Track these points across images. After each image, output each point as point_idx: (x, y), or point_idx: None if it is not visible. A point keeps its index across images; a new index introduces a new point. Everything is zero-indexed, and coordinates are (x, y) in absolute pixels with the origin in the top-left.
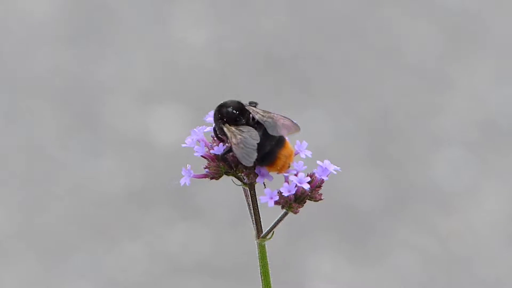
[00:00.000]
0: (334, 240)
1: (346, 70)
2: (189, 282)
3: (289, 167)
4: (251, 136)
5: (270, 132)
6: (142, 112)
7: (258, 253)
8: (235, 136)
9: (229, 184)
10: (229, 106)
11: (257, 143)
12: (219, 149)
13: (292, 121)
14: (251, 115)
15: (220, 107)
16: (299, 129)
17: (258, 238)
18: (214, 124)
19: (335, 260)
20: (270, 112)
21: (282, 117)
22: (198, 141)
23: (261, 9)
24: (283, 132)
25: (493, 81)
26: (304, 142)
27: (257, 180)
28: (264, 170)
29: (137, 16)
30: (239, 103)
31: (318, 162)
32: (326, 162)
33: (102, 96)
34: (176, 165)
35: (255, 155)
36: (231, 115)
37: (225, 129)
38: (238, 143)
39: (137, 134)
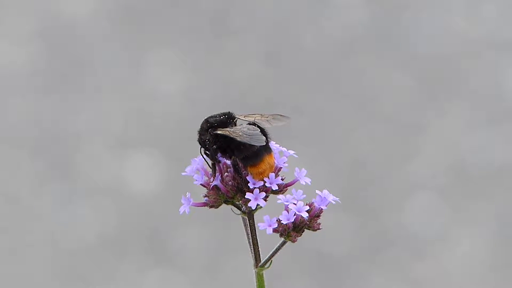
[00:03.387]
0: (306, 285)
1: (320, 119)
2: None
3: (267, 176)
4: (249, 129)
5: (263, 126)
6: (116, 160)
7: (256, 282)
8: (233, 131)
9: (204, 229)
10: (217, 115)
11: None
12: (217, 179)
13: (281, 114)
14: (238, 120)
15: (208, 118)
16: (289, 117)
17: (256, 267)
18: (201, 143)
19: None
20: (256, 114)
21: (270, 114)
22: (198, 169)
23: (235, 58)
24: (276, 123)
25: (464, 127)
26: (303, 169)
27: (249, 204)
28: (246, 172)
29: (110, 64)
30: (224, 112)
31: (317, 191)
32: (325, 191)
33: (76, 145)
34: (150, 212)
35: (263, 137)
36: (221, 120)
37: (219, 131)
38: (241, 135)
39: (111, 182)
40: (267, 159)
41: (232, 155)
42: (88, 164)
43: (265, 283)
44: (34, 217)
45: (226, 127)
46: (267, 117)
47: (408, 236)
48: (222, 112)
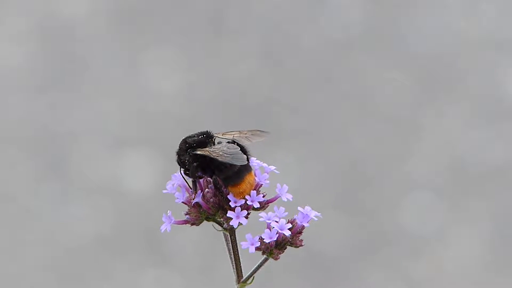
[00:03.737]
0: (301, 286)
1: (317, 117)
2: None
3: (247, 194)
4: (229, 147)
5: (242, 143)
6: (113, 159)
7: None
8: (213, 151)
9: (200, 230)
10: (195, 135)
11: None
12: (198, 196)
13: (259, 130)
14: (217, 138)
15: (186, 138)
16: (269, 132)
17: (239, 283)
18: (180, 164)
19: None
20: (234, 131)
21: (249, 130)
22: (179, 186)
23: (232, 57)
24: (255, 139)
25: (462, 126)
26: (284, 185)
27: (231, 223)
28: (227, 191)
29: (108, 64)
30: (202, 131)
31: (299, 208)
32: (307, 208)
33: (73, 144)
34: (147, 212)
35: (244, 155)
36: (199, 140)
37: (199, 152)
38: (221, 154)
39: (108, 181)
40: (247, 178)
41: (213, 174)
42: (85, 163)
43: (260, 283)
44: (31, 216)
45: (205, 147)
46: (246, 134)
47: (405, 235)
48: (200, 131)
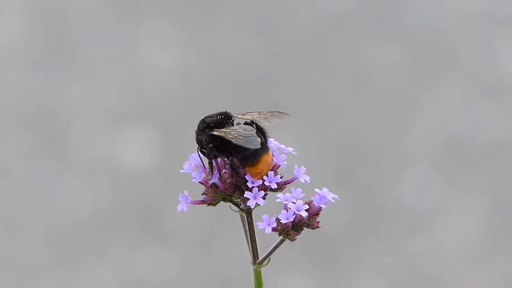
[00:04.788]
0: (300, 263)
1: (313, 93)
2: None
3: (265, 174)
4: (245, 129)
5: (261, 124)
6: (109, 135)
7: (254, 279)
8: (229, 133)
9: (198, 207)
10: (213, 115)
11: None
12: (215, 177)
13: (279, 111)
14: (236, 120)
15: (204, 118)
16: (288, 114)
17: (255, 264)
18: (198, 143)
19: (302, 283)
20: (253, 111)
21: (269, 111)
22: (196, 166)
23: (228, 33)
24: (275, 121)
25: (458, 101)
26: (302, 167)
27: (248, 203)
28: (244, 172)
29: (104, 40)
30: (222, 111)
31: (317, 190)
32: (325, 190)
33: (69, 120)
34: (144, 188)
35: (258, 139)
36: (217, 120)
37: (215, 133)
38: (236, 136)
39: (104, 157)
40: (264, 159)
41: (230, 155)
42: (82, 139)
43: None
44: (26, 193)
45: (223, 127)
46: (265, 115)
47: (403, 211)
48: (219, 112)
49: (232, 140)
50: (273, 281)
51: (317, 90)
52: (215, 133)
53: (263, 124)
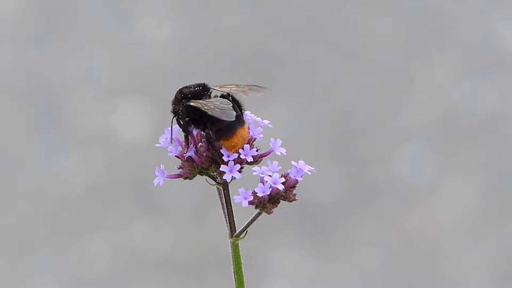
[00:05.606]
0: (296, 237)
1: (309, 68)
2: (151, 277)
3: (240, 148)
4: (222, 102)
5: (239, 97)
6: (104, 108)
7: (232, 252)
8: (205, 104)
9: (192, 180)
10: (191, 86)
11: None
12: (191, 150)
13: (257, 85)
14: (213, 92)
15: (182, 88)
16: (266, 88)
17: (232, 237)
18: (174, 112)
19: (297, 257)
20: (232, 84)
21: (247, 84)
22: (173, 140)
23: (224, 7)
24: (252, 94)
25: (454, 76)
26: (278, 139)
27: (224, 177)
28: (220, 145)
29: (99, 13)
30: (199, 83)
31: (293, 162)
32: (301, 162)
33: (64, 94)
34: (139, 161)
35: (234, 112)
36: (195, 91)
37: (192, 103)
38: (212, 108)
39: (100, 130)
40: (240, 132)
41: (205, 128)
42: (77, 112)
43: (251, 236)
44: (23, 167)
45: (200, 99)
46: (243, 88)
47: (398, 185)
48: (197, 83)
49: (207, 111)
50: (265, 254)
51: (314, 65)
52: (191, 103)
53: (240, 97)
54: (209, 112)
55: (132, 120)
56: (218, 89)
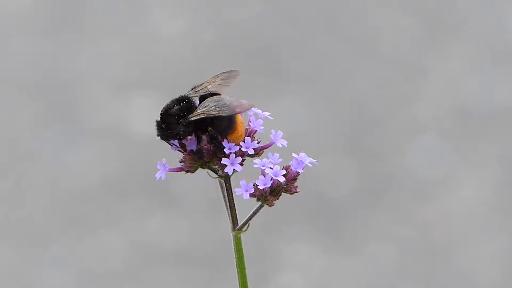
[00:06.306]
0: (309, 231)
1: (322, 60)
2: (166, 270)
3: (244, 135)
4: (217, 100)
5: (221, 91)
6: (118, 102)
7: (234, 246)
8: (209, 111)
9: (206, 173)
10: (173, 105)
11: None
12: (192, 143)
13: (226, 72)
14: (193, 99)
15: (166, 112)
16: (237, 70)
17: (234, 231)
18: (171, 138)
19: (311, 250)
20: (202, 83)
21: (216, 76)
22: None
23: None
24: (231, 82)
25: (468, 68)
26: (279, 131)
27: (225, 169)
28: (227, 143)
29: (112, 6)
30: (177, 98)
31: (294, 155)
32: (302, 154)
33: (78, 87)
34: (152, 154)
35: (246, 101)
36: (184, 106)
37: (194, 118)
38: (219, 110)
39: (113, 124)
40: (238, 120)
41: (206, 132)
42: (90, 106)
43: (264, 229)
44: (36, 160)
45: (193, 111)
46: (218, 82)
47: (412, 178)
48: (175, 99)
49: (216, 114)
50: (278, 247)
51: (326, 57)
52: (193, 118)
53: (223, 90)
54: (222, 114)
55: (145, 113)
56: (195, 94)
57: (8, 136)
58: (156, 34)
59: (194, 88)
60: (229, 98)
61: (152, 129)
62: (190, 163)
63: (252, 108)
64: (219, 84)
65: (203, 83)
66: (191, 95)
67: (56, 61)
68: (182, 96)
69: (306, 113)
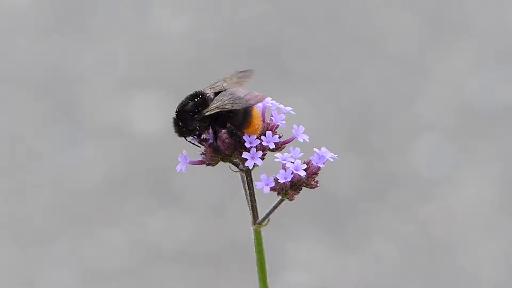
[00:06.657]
0: (313, 228)
1: (326, 59)
2: (169, 269)
3: (260, 128)
4: (231, 93)
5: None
6: (122, 100)
7: (254, 239)
8: (223, 105)
9: (208, 171)
10: (188, 101)
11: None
12: (210, 137)
13: (241, 71)
14: (209, 95)
15: (182, 108)
16: (252, 70)
17: (254, 224)
18: (188, 133)
19: (315, 248)
20: (218, 81)
21: (232, 75)
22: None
23: None
24: (246, 81)
25: (471, 68)
26: (301, 126)
27: (246, 163)
28: (247, 137)
29: (116, 5)
30: (192, 93)
31: (315, 149)
32: (323, 149)
33: (81, 86)
34: (155, 153)
35: (259, 93)
36: (199, 102)
37: (209, 113)
38: (233, 103)
39: (116, 122)
40: (254, 113)
41: (224, 126)
42: (94, 104)
43: (268, 227)
44: (40, 158)
45: (207, 107)
46: (233, 80)
47: (415, 177)
48: (190, 95)
49: (233, 107)
50: (282, 244)
51: (330, 56)
52: (208, 113)
53: (239, 89)
54: (236, 107)
55: (149, 112)
56: (210, 91)
57: (12, 134)
58: (159, 33)
59: (211, 85)
60: (243, 90)
61: (154, 128)
62: (211, 156)
63: (274, 102)
64: (235, 83)
65: (219, 81)
66: (206, 91)
67: (59, 60)
68: (197, 91)
69: (310, 112)
